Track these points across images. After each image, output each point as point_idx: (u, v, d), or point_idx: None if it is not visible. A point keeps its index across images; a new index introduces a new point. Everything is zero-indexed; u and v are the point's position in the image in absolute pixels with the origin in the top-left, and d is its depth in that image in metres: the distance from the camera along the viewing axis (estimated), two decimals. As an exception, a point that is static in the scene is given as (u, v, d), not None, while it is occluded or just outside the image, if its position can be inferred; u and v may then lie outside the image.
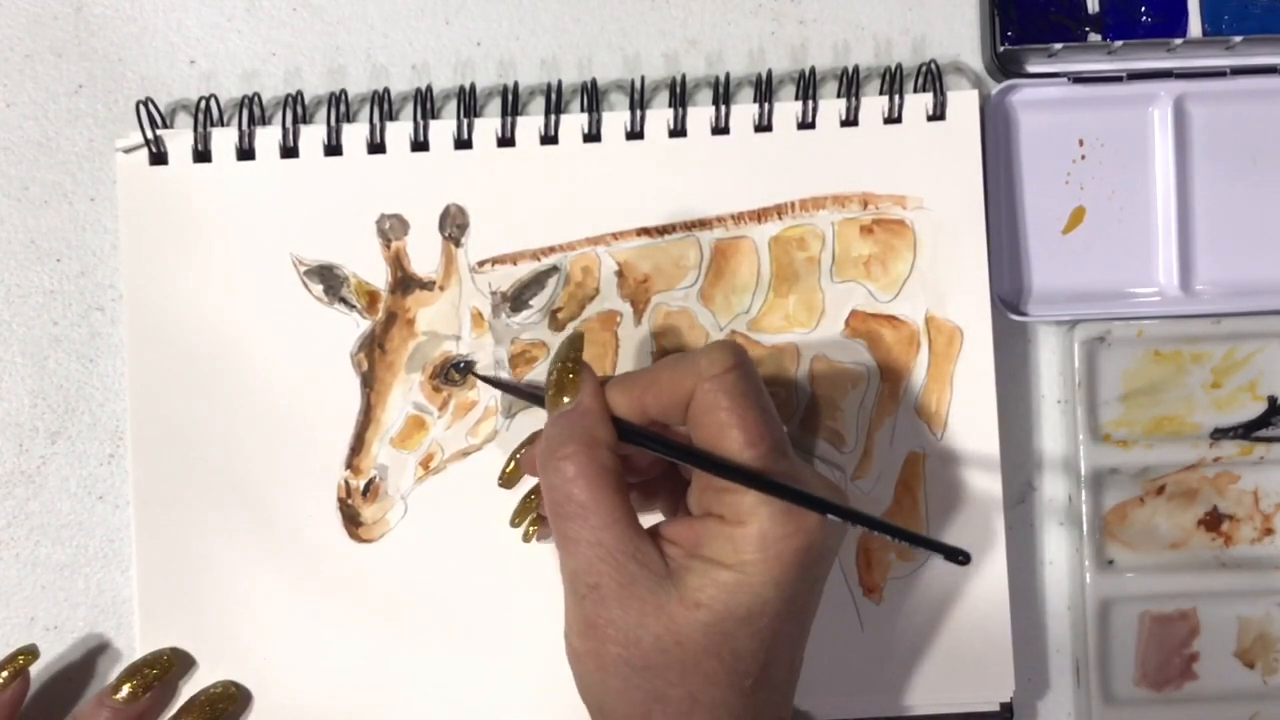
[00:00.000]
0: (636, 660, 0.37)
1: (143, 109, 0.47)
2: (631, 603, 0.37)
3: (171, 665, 0.46)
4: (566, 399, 0.40)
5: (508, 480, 0.47)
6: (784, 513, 0.37)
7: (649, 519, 0.41)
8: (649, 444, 0.40)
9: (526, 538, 0.46)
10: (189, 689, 0.47)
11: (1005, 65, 0.49)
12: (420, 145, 0.48)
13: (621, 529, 0.38)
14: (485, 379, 0.47)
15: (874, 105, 0.48)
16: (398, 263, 0.47)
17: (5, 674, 0.45)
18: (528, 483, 0.47)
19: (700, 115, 0.48)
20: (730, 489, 0.37)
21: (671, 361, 0.40)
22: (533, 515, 0.46)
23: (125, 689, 0.45)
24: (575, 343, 0.41)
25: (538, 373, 0.48)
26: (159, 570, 0.47)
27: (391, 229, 0.48)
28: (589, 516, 0.38)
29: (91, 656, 0.49)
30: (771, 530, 0.37)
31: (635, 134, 0.48)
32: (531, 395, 0.45)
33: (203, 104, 0.48)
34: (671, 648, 0.37)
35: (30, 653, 0.46)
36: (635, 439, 0.40)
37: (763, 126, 0.48)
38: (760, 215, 0.48)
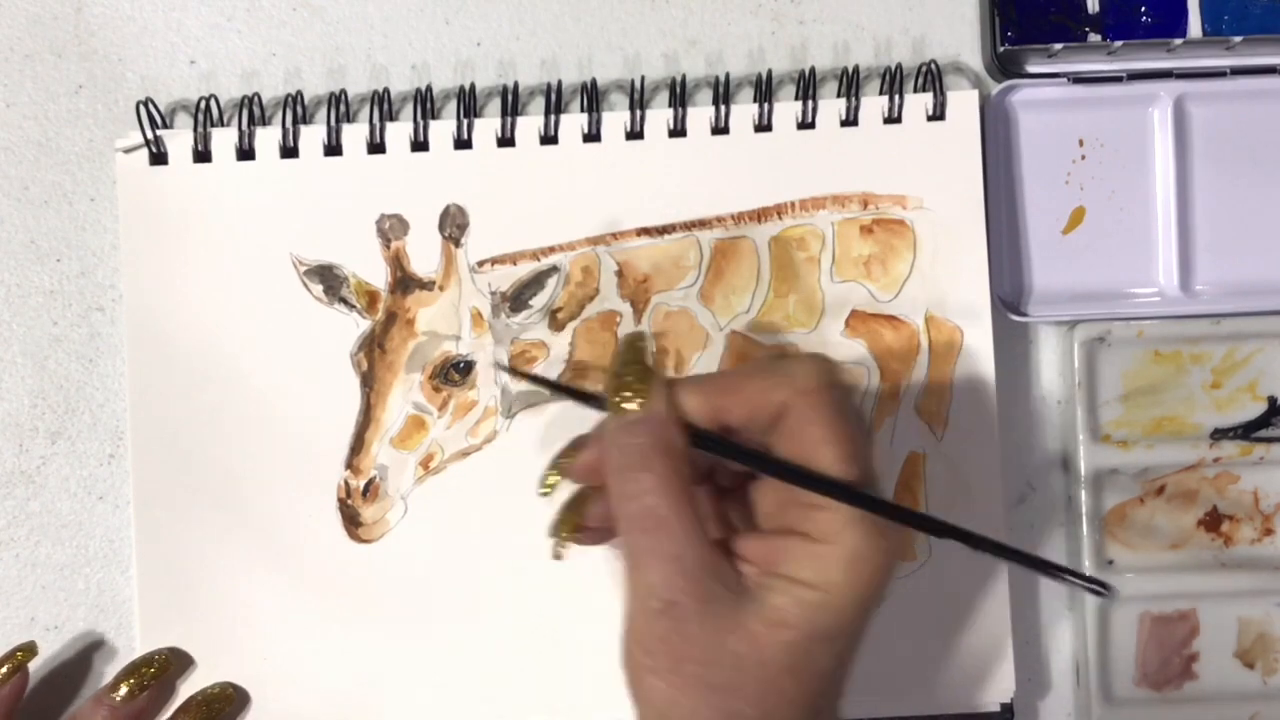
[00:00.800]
0: (715, 679, 0.36)
1: (143, 109, 0.47)
2: (711, 621, 0.36)
3: (169, 665, 0.46)
4: (637, 404, 0.37)
5: (548, 487, 0.42)
6: (874, 533, 0.36)
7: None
8: (735, 455, 0.38)
9: (558, 554, 0.41)
10: (187, 688, 0.47)
11: (1005, 65, 0.49)
12: (420, 145, 0.48)
13: (700, 544, 0.36)
14: (528, 375, 0.46)
15: (874, 105, 0.48)
16: (397, 263, 0.47)
17: (4, 670, 0.45)
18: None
19: (700, 115, 0.48)
20: (819, 506, 0.36)
21: (758, 370, 0.38)
22: (557, 525, 0.42)
23: (123, 688, 0.45)
24: (637, 343, 0.39)
25: (537, 371, 0.48)
26: (159, 570, 0.47)
27: (391, 229, 0.48)
28: (667, 529, 0.36)
29: (91, 656, 0.49)
30: (862, 548, 0.35)
31: (635, 134, 0.48)
32: (581, 396, 0.41)
33: (203, 104, 0.48)
34: (752, 667, 0.36)
35: (29, 649, 0.46)
36: (714, 447, 0.38)
37: (763, 126, 0.48)
38: (760, 215, 0.48)
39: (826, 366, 0.37)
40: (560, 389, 0.45)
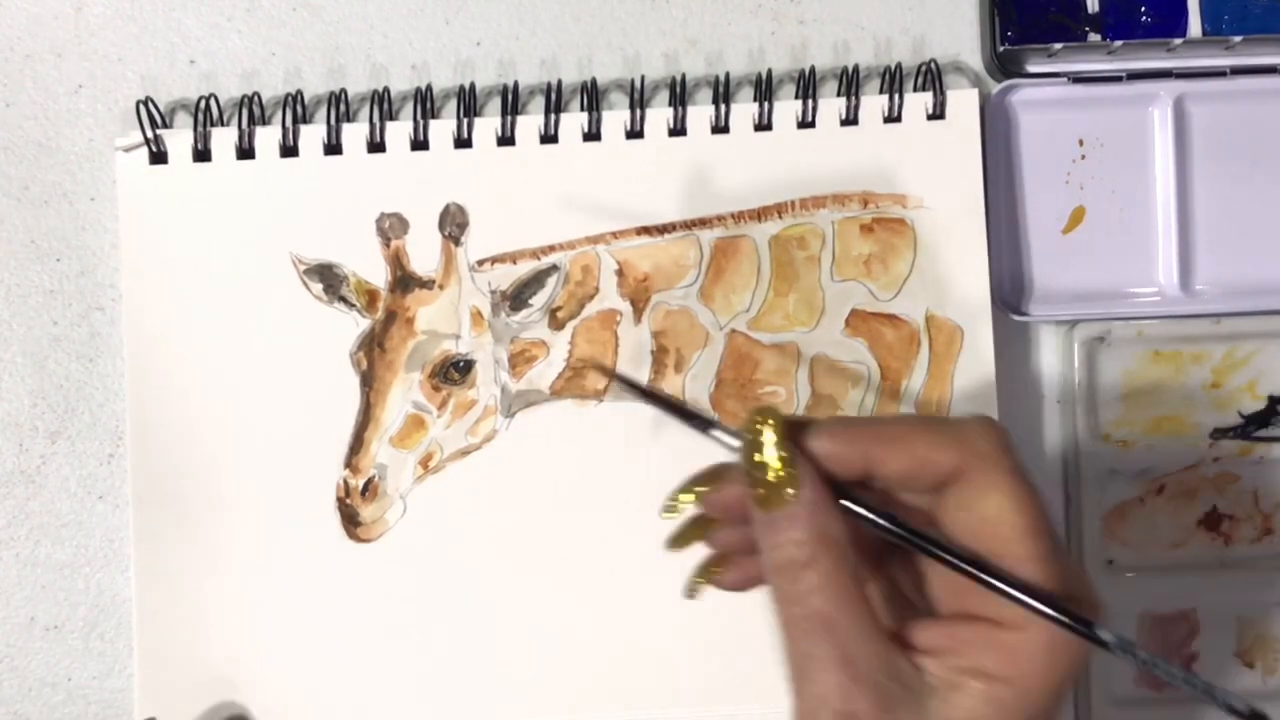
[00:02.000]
0: None
1: (143, 109, 0.47)
2: None
3: None
4: (787, 491, 0.33)
5: (679, 543, 0.38)
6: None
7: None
8: (889, 530, 0.33)
9: (693, 593, 0.38)
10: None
11: (1005, 65, 0.49)
12: (420, 144, 0.48)
13: (876, 644, 0.32)
14: (640, 388, 0.41)
15: (874, 105, 0.48)
16: (397, 262, 0.48)
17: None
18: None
19: (700, 114, 0.48)
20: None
21: (923, 424, 0.35)
22: (703, 566, 0.38)
23: None
24: (769, 415, 0.33)
25: (536, 371, 0.48)
26: (159, 570, 0.47)
27: (391, 228, 0.48)
28: (837, 632, 0.32)
29: (91, 657, 0.49)
30: (1059, 638, 0.32)
31: (635, 133, 0.48)
32: (696, 419, 0.36)
33: (203, 104, 0.48)
34: None
35: None
36: (866, 518, 0.33)
37: (763, 126, 0.48)
38: (760, 214, 0.48)
39: (1000, 428, 0.34)
40: (677, 411, 0.37)
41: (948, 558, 0.33)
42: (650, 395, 0.38)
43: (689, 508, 0.37)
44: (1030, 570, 0.32)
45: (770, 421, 0.33)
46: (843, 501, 0.33)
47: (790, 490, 0.33)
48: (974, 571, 0.32)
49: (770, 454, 0.33)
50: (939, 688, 0.32)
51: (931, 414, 0.35)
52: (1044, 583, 0.32)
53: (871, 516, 0.33)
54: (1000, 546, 0.32)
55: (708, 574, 0.38)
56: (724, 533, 0.37)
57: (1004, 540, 0.32)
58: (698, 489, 0.37)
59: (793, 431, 0.33)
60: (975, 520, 0.33)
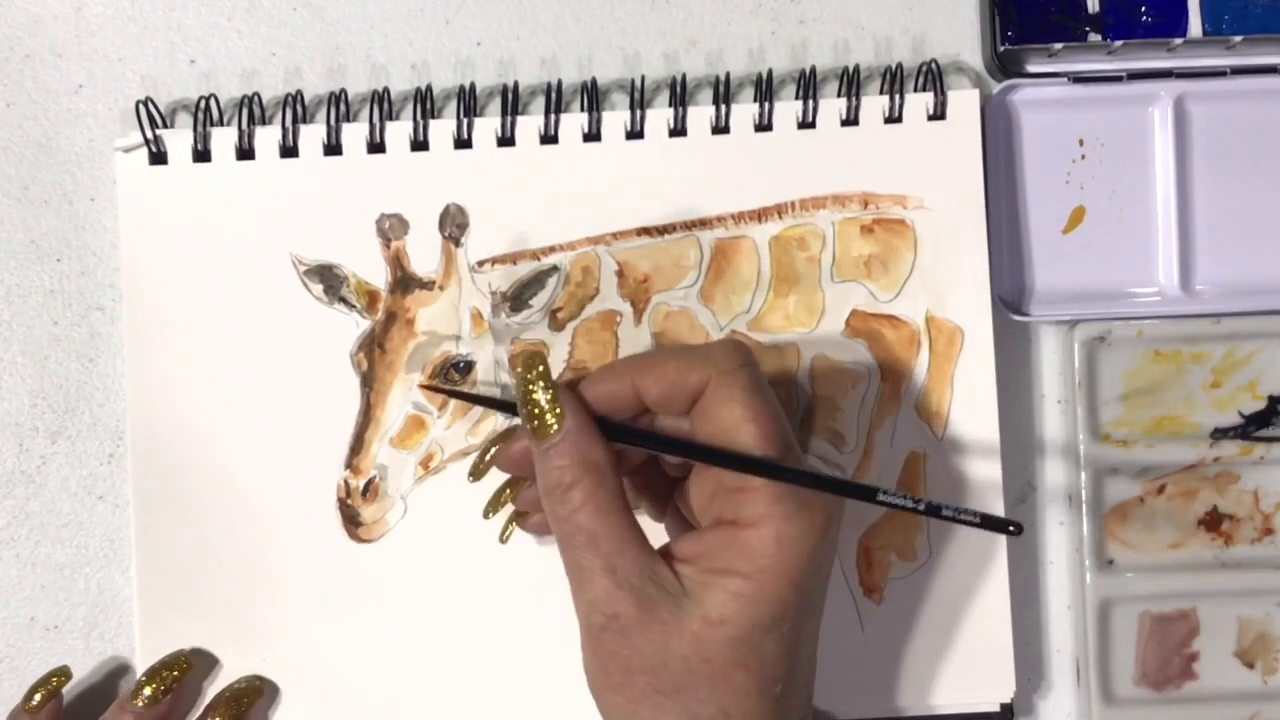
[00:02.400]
0: (666, 685, 0.37)
1: (143, 109, 0.47)
2: (654, 627, 0.37)
3: (190, 666, 0.46)
4: (551, 424, 0.38)
5: (478, 474, 0.46)
6: (796, 512, 0.36)
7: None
8: (648, 444, 0.39)
9: (504, 538, 0.46)
10: (213, 687, 0.47)
11: (1005, 65, 0.49)
12: (420, 145, 0.48)
13: (635, 553, 0.37)
14: (445, 390, 0.47)
15: (874, 105, 0.48)
16: (397, 262, 0.47)
17: (40, 695, 0.45)
18: (496, 476, 0.47)
19: (700, 115, 0.48)
20: (741, 489, 0.37)
21: (675, 351, 0.39)
22: (510, 513, 0.46)
23: (146, 692, 0.45)
24: (536, 361, 0.39)
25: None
26: (159, 570, 0.47)
27: (391, 229, 0.48)
28: (600, 544, 0.37)
29: (91, 657, 0.49)
30: (786, 531, 0.36)
31: (635, 134, 0.48)
32: (501, 405, 0.45)
33: (203, 104, 0.48)
34: (699, 666, 0.36)
35: (63, 674, 0.46)
36: (631, 439, 0.39)
37: (763, 126, 0.48)
38: (760, 215, 0.48)
39: (742, 348, 0.39)
40: (482, 401, 0.46)
41: (689, 452, 0.38)
42: (456, 394, 0.46)
43: (490, 472, 0.46)
44: (761, 453, 0.37)
45: (538, 367, 0.39)
46: (610, 424, 0.39)
47: (555, 423, 0.38)
48: (702, 452, 0.38)
49: (538, 394, 0.39)
50: (693, 589, 0.37)
51: (676, 345, 0.41)
52: (767, 451, 0.37)
53: (629, 437, 0.39)
54: (737, 444, 0.37)
55: (515, 519, 0.46)
56: (527, 490, 0.43)
57: (739, 439, 0.37)
58: (494, 450, 0.44)
59: (570, 383, 0.39)
60: (717, 427, 0.37)
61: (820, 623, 0.40)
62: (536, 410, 0.39)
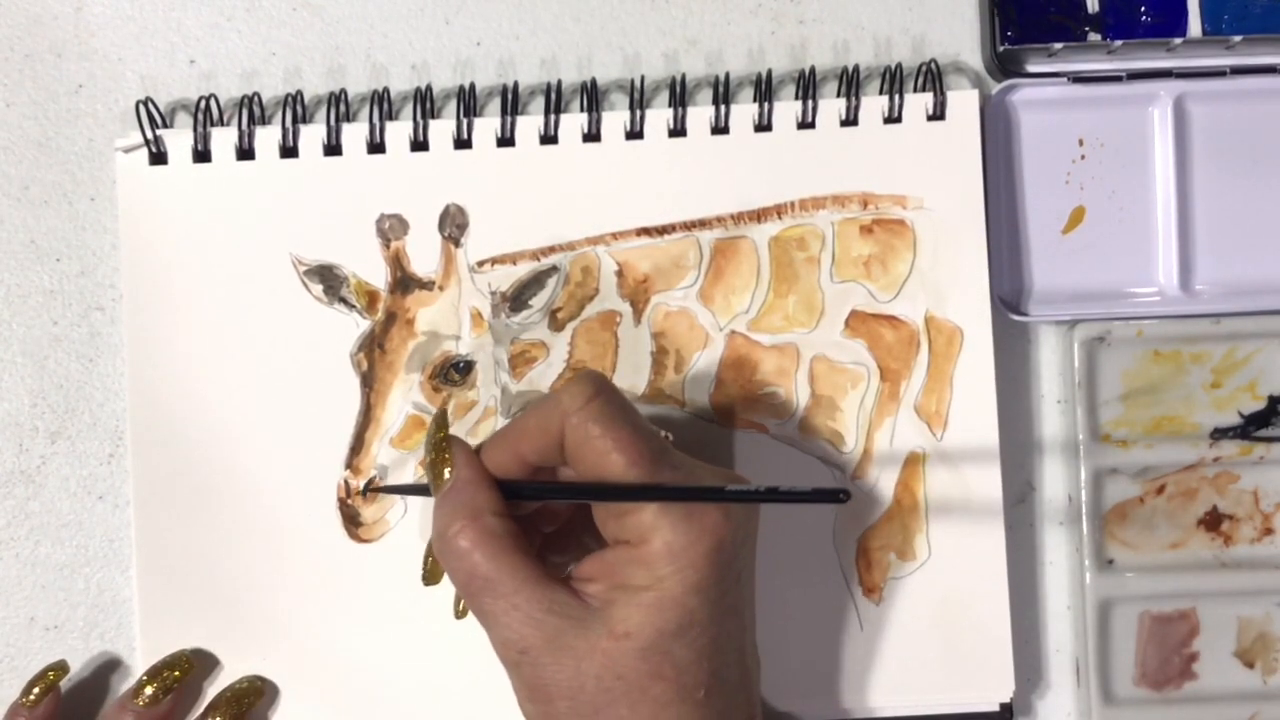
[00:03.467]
0: (585, 708, 0.37)
1: (143, 109, 0.47)
2: (563, 655, 0.37)
3: (192, 666, 0.46)
4: (443, 473, 0.40)
5: (430, 577, 0.45)
6: (684, 520, 0.37)
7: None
8: (537, 494, 0.41)
9: (459, 614, 0.45)
10: (213, 688, 0.47)
11: (1005, 65, 0.49)
12: (420, 145, 0.48)
13: (531, 587, 0.38)
14: (380, 489, 0.47)
15: (874, 105, 0.48)
16: (397, 263, 0.48)
17: (37, 690, 0.45)
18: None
19: (700, 115, 0.48)
20: (627, 511, 0.38)
21: (535, 405, 0.40)
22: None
23: (147, 691, 0.45)
24: (440, 421, 0.41)
25: (537, 372, 0.48)
26: (159, 570, 0.47)
27: (391, 229, 0.48)
28: (495, 585, 0.38)
29: (91, 656, 0.49)
30: (676, 540, 0.37)
31: (635, 134, 0.48)
32: (420, 490, 0.45)
33: (202, 104, 0.48)
34: (614, 684, 0.37)
35: (60, 668, 0.46)
36: (523, 493, 0.40)
37: (763, 126, 0.48)
38: (760, 215, 0.48)
39: (589, 381, 0.39)
40: (405, 490, 0.47)
41: (570, 494, 0.40)
42: (396, 489, 0.47)
43: (441, 574, 0.44)
44: (634, 476, 0.37)
45: (440, 422, 0.41)
46: (504, 482, 0.40)
47: (446, 471, 0.40)
48: (578, 491, 0.40)
49: (435, 448, 0.40)
50: (599, 608, 0.38)
51: (551, 394, 0.43)
52: (646, 479, 0.38)
53: (523, 492, 0.40)
54: (610, 474, 0.38)
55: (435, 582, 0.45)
56: None
57: (609, 470, 0.38)
58: (430, 554, 0.45)
59: (465, 450, 0.40)
60: (587, 466, 0.38)
61: (748, 619, 0.40)
62: (430, 461, 0.40)
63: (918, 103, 0.48)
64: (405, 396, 0.47)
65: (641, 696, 0.37)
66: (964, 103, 0.48)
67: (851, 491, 0.37)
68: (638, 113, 0.48)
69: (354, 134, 0.48)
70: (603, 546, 0.40)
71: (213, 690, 0.47)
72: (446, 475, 0.40)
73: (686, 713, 0.37)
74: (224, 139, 0.48)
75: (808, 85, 0.48)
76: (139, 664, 0.47)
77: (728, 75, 0.48)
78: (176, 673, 0.46)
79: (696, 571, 0.37)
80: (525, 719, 0.40)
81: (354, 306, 0.47)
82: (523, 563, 0.38)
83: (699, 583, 0.37)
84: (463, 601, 0.45)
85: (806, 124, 0.48)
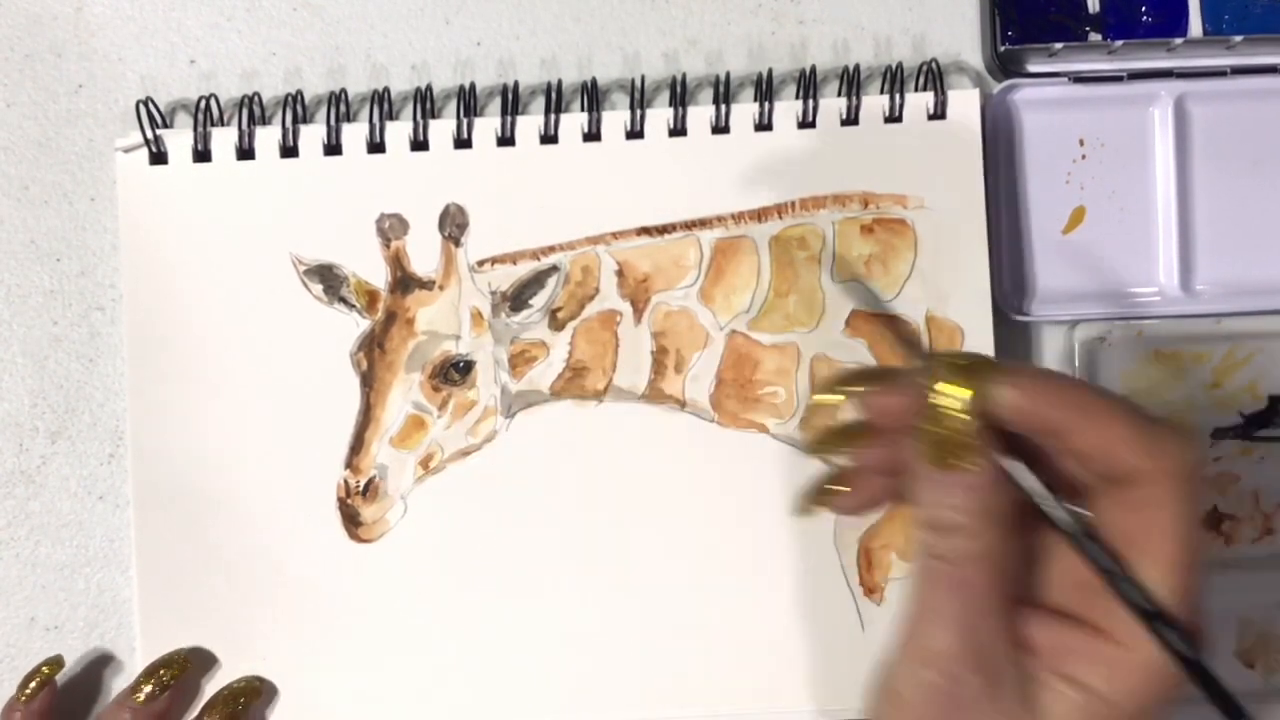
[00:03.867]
0: None
1: (143, 109, 0.47)
2: (988, 710, 0.32)
3: (189, 664, 0.46)
4: (968, 454, 0.31)
5: (822, 447, 0.37)
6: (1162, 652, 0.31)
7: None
8: (1056, 517, 0.32)
9: (805, 511, 0.36)
10: (212, 686, 0.47)
11: (1006, 65, 0.49)
12: (420, 145, 0.48)
13: (1002, 625, 0.32)
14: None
15: (874, 104, 0.48)
16: (397, 262, 0.48)
17: (33, 684, 0.45)
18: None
19: (700, 115, 0.48)
20: (1119, 606, 0.31)
21: (1123, 411, 0.32)
22: (821, 484, 0.36)
23: (144, 689, 0.45)
24: (973, 369, 0.31)
25: (537, 372, 0.48)
26: (159, 570, 0.47)
27: (391, 228, 0.48)
28: (971, 600, 0.32)
29: (91, 656, 0.49)
30: (1160, 665, 0.31)
31: (635, 133, 0.48)
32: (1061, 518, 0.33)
33: (203, 104, 0.48)
34: None
35: (56, 663, 0.46)
36: (1037, 498, 0.32)
37: (763, 126, 0.48)
38: (760, 215, 0.48)
39: (1197, 452, 0.32)
40: (1049, 503, 0.33)
41: (1088, 554, 0.31)
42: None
43: (837, 408, 0.35)
44: (1160, 594, 0.31)
45: (966, 378, 0.31)
46: (1011, 466, 0.31)
47: (969, 458, 0.31)
48: (1108, 572, 0.31)
49: (958, 415, 0.31)
50: (1037, 687, 0.32)
51: (1128, 400, 0.32)
52: (1170, 607, 0.31)
53: (1040, 494, 0.32)
54: (1146, 562, 0.31)
55: (826, 495, 0.36)
56: (869, 447, 0.34)
57: (1152, 559, 0.31)
58: (863, 386, 0.34)
59: (978, 375, 0.31)
60: (1129, 532, 0.31)
61: None
62: (945, 437, 0.32)
63: (918, 102, 0.48)
64: (405, 396, 0.47)
65: None
66: (964, 102, 0.48)
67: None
68: (638, 112, 0.48)
69: (354, 134, 0.48)
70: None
71: (212, 689, 0.47)
72: (969, 457, 0.31)
73: None
74: (224, 139, 0.48)
75: (808, 85, 0.48)
76: (139, 664, 0.47)
77: (728, 75, 0.48)
78: (173, 671, 0.46)
79: (1155, 698, 0.31)
80: (885, 698, 0.34)
81: (354, 306, 0.47)
82: (1004, 588, 0.32)
83: (1151, 708, 0.32)
84: (808, 504, 0.36)
85: (807, 123, 0.48)
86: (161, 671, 0.46)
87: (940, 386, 0.31)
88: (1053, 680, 0.32)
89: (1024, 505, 0.32)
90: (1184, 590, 0.31)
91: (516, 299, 0.48)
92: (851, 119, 0.48)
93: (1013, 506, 0.32)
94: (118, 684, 0.49)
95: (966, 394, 0.31)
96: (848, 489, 0.36)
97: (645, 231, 0.48)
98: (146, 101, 0.48)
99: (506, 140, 0.48)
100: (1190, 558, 0.31)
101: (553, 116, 0.48)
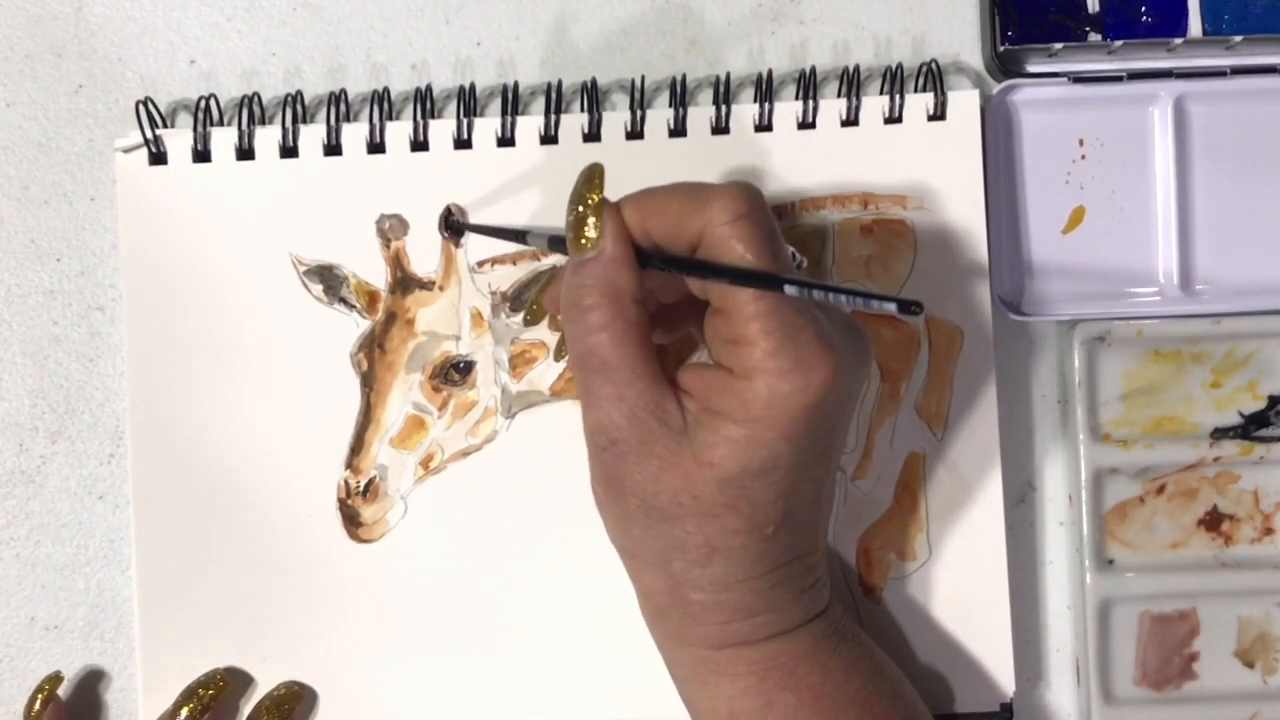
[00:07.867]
0: (654, 512, 0.38)
1: (142, 109, 0.47)
2: (649, 460, 0.38)
3: (226, 684, 0.46)
4: (588, 242, 0.38)
5: (534, 317, 0.47)
6: (790, 369, 0.36)
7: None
8: (669, 265, 0.38)
9: (557, 357, 0.46)
10: (249, 704, 0.47)
11: (1005, 65, 0.49)
12: (420, 145, 0.48)
13: (644, 384, 0.38)
14: (476, 228, 0.47)
15: (874, 105, 0.48)
16: (397, 263, 0.48)
17: (39, 704, 0.46)
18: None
19: (700, 115, 0.48)
20: (738, 342, 0.36)
21: (683, 193, 0.38)
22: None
23: (184, 713, 0.45)
24: (593, 178, 0.39)
25: (537, 372, 0.48)
26: (159, 570, 0.47)
27: (391, 229, 0.48)
28: (611, 372, 0.38)
29: (91, 657, 0.49)
30: (778, 387, 0.36)
31: (635, 134, 0.48)
32: (514, 235, 0.45)
33: (202, 104, 0.48)
34: (688, 501, 0.38)
35: (54, 679, 0.46)
36: (653, 263, 0.38)
37: (763, 126, 0.48)
38: (760, 215, 0.48)
39: (744, 196, 0.37)
40: (505, 234, 0.45)
41: (708, 273, 0.37)
42: (494, 231, 0.46)
43: (544, 317, 0.46)
44: (761, 303, 0.36)
45: (596, 179, 0.39)
46: (639, 250, 0.38)
47: (592, 239, 0.38)
48: (723, 271, 0.37)
49: (588, 204, 0.39)
50: (692, 425, 0.38)
51: (684, 182, 0.39)
52: (771, 309, 0.36)
53: (659, 264, 0.38)
54: (740, 295, 0.36)
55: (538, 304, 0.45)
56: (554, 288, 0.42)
57: (735, 291, 0.36)
58: (542, 291, 0.45)
59: (617, 221, 0.38)
60: (721, 255, 0.37)
61: (834, 466, 0.40)
62: (575, 220, 0.39)
63: (918, 103, 0.48)
64: (405, 396, 0.47)
65: (711, 520, 0.38)
66: (964, 103, 0.48)
67: (923, 305, 0.34)
68: (638, 113, 0.48)
69: (354, 134, 0.48)
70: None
71: (248, 706, 0.47)
72: (590, 236, 0.38)
73: (751, 544, 0.38)
74: (224, 139, 0.48)
75: (808, 85, 0.48)
76: (139, 665, 0.47)
77: (728, 75, 0.48)
78: (211, 691, 0.46)
79: (792, 422, 0.36)
80: (595, 499, 0.40)
81: (354, 306, 0.47)
82: (643, 357, 0.38)
83: (792, 432, 0.37)
84: (562, 351, 0.46)
85: (807, 124, 0.48)
86: (200, 692, 0.45)
87: (579, 196, 0.39)
88: (704, 417, 0.37)
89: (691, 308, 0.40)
90: (766, 257, 0.37)
91: (516, 299, 0.48)
92: (851, 120, 0.48)
93: (632, 284, 0.38)
94: (116, 689, 0.49)
95: (595, 197, 0.39)
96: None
97: (645, 232, 0.48)
98: (146, 101, 0.48)
99: (506, 140, 0.48)
100: (762, 256, 0.37)
101: (553, 116, 0.48)
